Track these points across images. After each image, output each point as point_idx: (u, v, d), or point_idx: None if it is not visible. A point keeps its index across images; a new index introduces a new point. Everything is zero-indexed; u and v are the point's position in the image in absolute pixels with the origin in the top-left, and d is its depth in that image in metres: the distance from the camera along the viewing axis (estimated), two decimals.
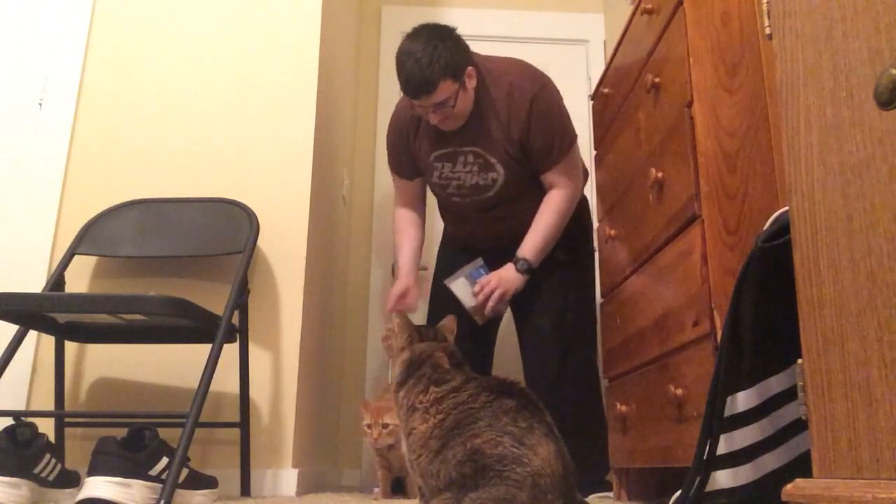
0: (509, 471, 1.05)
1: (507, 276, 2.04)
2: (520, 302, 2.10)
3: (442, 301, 2.20)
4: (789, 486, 0.80)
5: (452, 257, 2.24)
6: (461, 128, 2.04)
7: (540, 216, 2.06)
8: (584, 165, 2.20)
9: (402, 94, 2.04)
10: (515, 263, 2.04)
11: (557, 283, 2.10)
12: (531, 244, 2.04)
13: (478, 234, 2.19)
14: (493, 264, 2.09)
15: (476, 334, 2.16)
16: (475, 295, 2.05)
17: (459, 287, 2.13)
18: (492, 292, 2.02)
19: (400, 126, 2.15)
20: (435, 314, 2.25)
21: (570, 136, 2.06)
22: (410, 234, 2.21)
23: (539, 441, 1.08)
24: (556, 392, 2.02)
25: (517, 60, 2.12)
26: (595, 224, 2.17)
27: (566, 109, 2.09)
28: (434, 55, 1.89)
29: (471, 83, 1.99)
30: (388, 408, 1.94)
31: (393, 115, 2.21)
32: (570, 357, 2.05)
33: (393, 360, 1.38)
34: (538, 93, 2.01)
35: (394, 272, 3.00)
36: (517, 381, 1.20)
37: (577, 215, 2.18)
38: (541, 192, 2.09)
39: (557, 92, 2.08)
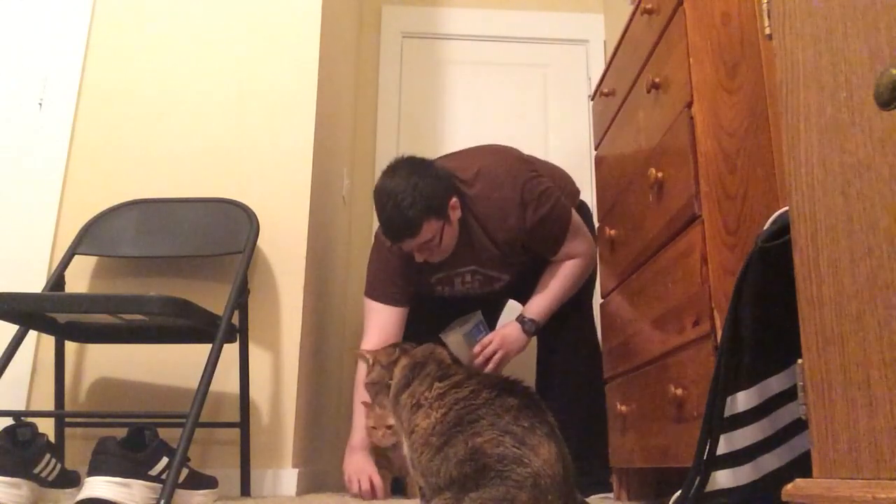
0: (510, 471, 1.05)
1: (511, 337, 1.96)
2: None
3: (418, 330, 2.04)
4: (789, 486, 0.80)
5: (440, 301, 2.14)
6: (452, 254, 1.95)
7: (554, 280, 1.99)
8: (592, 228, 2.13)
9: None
10: (522, 323, 1.98)
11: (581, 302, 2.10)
12: (542, 307, 1.97)
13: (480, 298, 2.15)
14: (485, 307, 2.07)
15: None
16: (473, 354, 1.97)
17: (455, 343, 2.00)
18: (493, 354, 1.95)
19: (389, 256, 2.00)
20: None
21: (565, 220, 1.99)
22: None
23: (540, 441, 1.08)
24: (557, 392, 2.02)
25: (492, 157, 2.00)
26: (595, 224, 2.16)
27: (555, 192, 1.98)
28: (415, 195, 1.78)
29: (455, 215, 1.89)
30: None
31: (376, 244, 2.06)
32: (571, 357, 2.05)
33: (385, 383, 1.35)
34: (522, 194, 1.91)
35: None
36: (520, 379, 1.20)
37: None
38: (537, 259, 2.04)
39: (541, 183, 1.96)
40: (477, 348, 1.98)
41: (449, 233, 1.88)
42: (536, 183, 1.95)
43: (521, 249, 1.97)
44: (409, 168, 1.85)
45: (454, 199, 1.88)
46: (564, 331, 2.09)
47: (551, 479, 1.05)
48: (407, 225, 1.80)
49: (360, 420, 1.93)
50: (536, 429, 1.09)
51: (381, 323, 1.99)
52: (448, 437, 1.12)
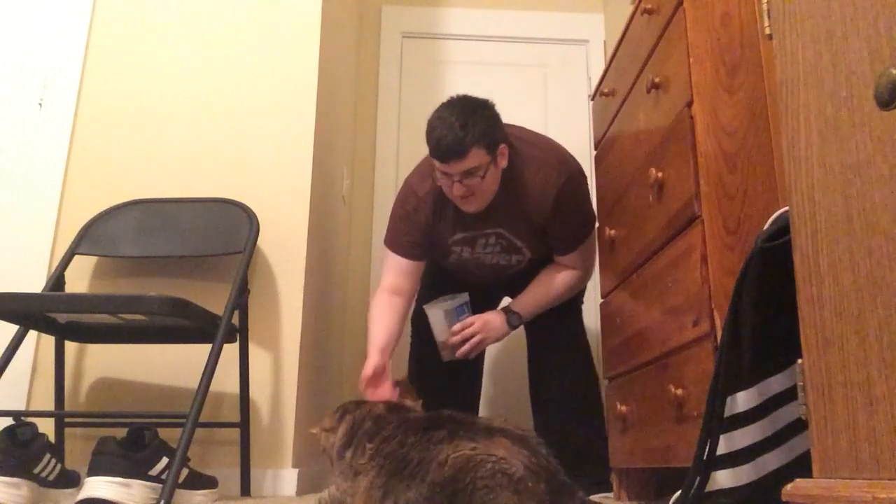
0: (479, 478, 1.05)
1: (493, 324, 1.97)
2: (539, 319, 2.07)
3: (426, 323, 2.09)
4: (789, 486, 0.80)
5: (441, 279, 2.15)
6: (483, 212, 1.94)
7: (546, 281, 2.01)
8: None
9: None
10: (507, 314, 1.99)
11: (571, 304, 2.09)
12: (529, 303, 1.99)
13: (481, 284, 2.14)
14: (479, 297, 2.05)
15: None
16: (452, 332, 1.97)
17: (436, 317, 2.01)
18: (471, 336, 1.96)
19: (418, 207, 1.99)
20: (420, 335, 2.16)
21: (590, 227, 2.03)
22: (388, 321, 1.93)
23: (491, 443, 1.09)
24: (557, 392, 2.02)
25: (549, 142, 2.04)
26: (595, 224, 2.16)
27: (589, 199, 2.04)
28: (469, 121, 1.80)
29: (502, 161, 1.89)
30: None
31: (406, 191, 2.04)
32: (571, 357, 2.05)
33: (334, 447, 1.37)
34: (564, 185, 1.93)
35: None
36: (447, 411, 1.21)
37: None
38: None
39: (585, 182, 2.03)
40: (457, 327, 1.98)
41: (493, 175, 1.87)
42: (583, 180, 2.03)
43: (542, 231, 1.97)
44: (468, 101, 1.88)
45: (504, 146, 1.89)
46: (556, 332, 2.09)
47: (522, 468, 1.06)
48: (458, 144, 1.79)
49: (374, 333, 1.92)
50: (479, 438, 1.10)
51: (396, 269, 2.02)
52: (387, 488, 1.14)
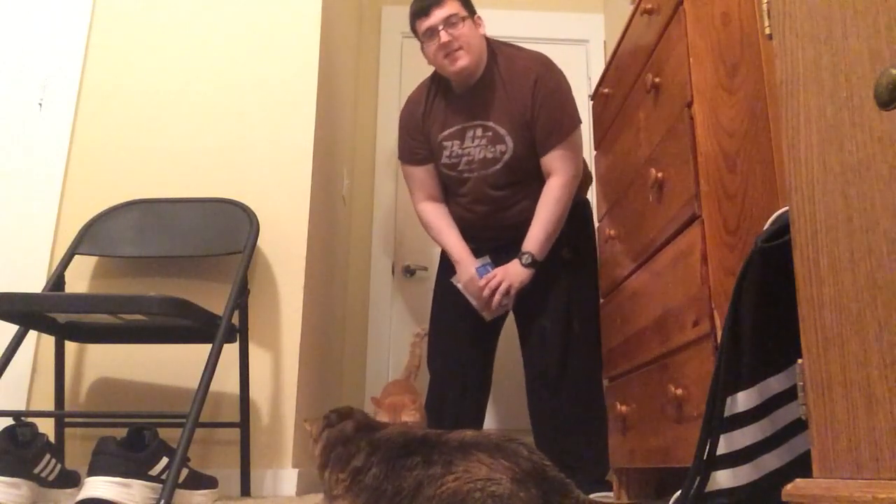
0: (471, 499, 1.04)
1: (513, 271, 2.05)
2: (524, 302, 2.10)
3: (445, 303, 2.21)
4: (789, 486, 0.80)
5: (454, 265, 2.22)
6: (469, 102, 2.11)
7: (540, 208, 2.07)
8: (586, 165, 2.21)
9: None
10: (520, 258, 2.06)
11: (561, 284, 2.10)
12: (534, 237, 2.05)
13: (484, 223, 2.17)
14: (500, 263, 2.09)
15: (478, 340, 2.16)
16: (480, 289, 2.06)
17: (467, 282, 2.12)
18: (497, 286, 2.03)
19: (410, 111, 2.23)
20: (439, 316, 2.25)
21: (573, 120, 2.09)
22: (448, 223, 2.19)
23: (471, 464, 1.07)
24: (557, 392, 2.02)
25: (527, 49, 2.20)
26: (595, 224, 2.16)
27: (571, 94, 2.13)
28: None
29: (480, 28, 2.13)
30: (404, 404, 1.96)
31: (404, 105, 2.28)
32: (571, 357, 2.05)
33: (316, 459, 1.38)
34: (543, 73, 2.08)
35: (394, 271, 3.00)
36: (420, 431, 1.20)
37: (582, 216, 2.18)
38: (544, 181, 2.10)
39: (563, 77, 2.13)
40: (482, 282, 2.06)
41: (473, 31, 2.11)
42: (562, 77, 2.14)
43: (525, 124, 2.07)
44: None
45: (480, 18, 2.16)
46: (539, 314, 2.10)
47: (508, 481, 1.04)
48: None
49: (458, 247, 2.16)
50: (456, 460, 1.08)
51: (418, 178, 2.22)
52: None
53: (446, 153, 2.15)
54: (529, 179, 2.10)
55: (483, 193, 2.13)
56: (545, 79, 2.07)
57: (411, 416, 2.00)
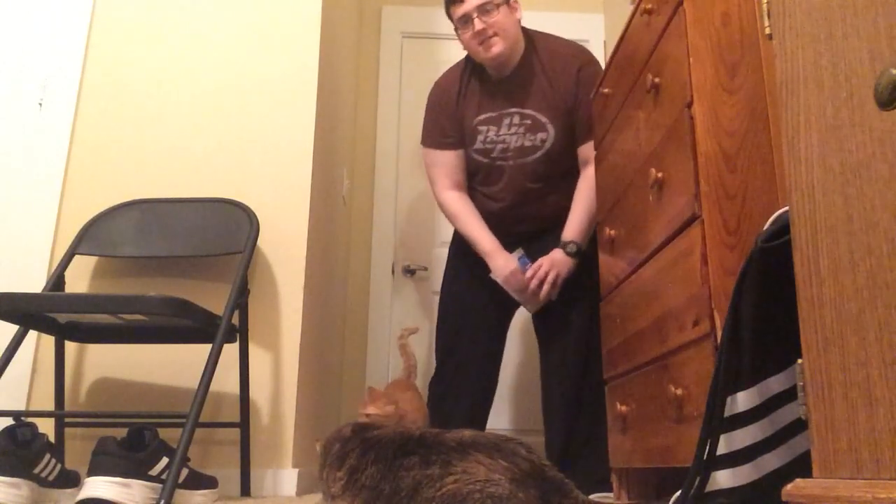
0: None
1: (557, 259, 2.04)
2: (545, 317, 2.09)
3: (453, 307, 2.19)
4: (789, 486, 0.80)
5: (465, 262, 2.19)
6: (507, 88, 2.08)
7: (578, 196, 2.05)
8: None
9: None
10: (564, 247, 2.05)
11: (585, 303, 2.09)
12: (576, 225, 2.04)
13: (511, 214, 2.15)
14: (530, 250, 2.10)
15: (486, 340, 2.15)
16: (527, 279, 2.04)
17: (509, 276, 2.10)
18: (545, 275, 2.02)
19: (443, 92, 2.18)
20: (446, 319, 2.22)
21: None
22: (476, 214, 2.13)
23: (469, 465, 1.06)
24: (576, 404, 2.03)
25: (566, 38, 2.19)
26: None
27: None
28: None
29: (516, 11, 2.09)
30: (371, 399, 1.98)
31: (434, 88, 2.23)
32: (590, 367, 2.05)
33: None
34: (585, 64, 2.07)
35: (394, 271, 3.00)
36: (417, 430, 1.19)
37: None
38: (574, 179, 2.10)
39: (601, 67, 2.11)
40: (529, 273, 2.05)
41: (508, 16, 2.06)
42: (598, 65, 2.13)
43: (566, 111, 2.06)
44: None
45: (516, 1, 2.10)
46: (562, 331, 2.09)
47: (507, 482, 1.03)
48: None
49: (487, 238, 2.11)
50: (454, 459, 1.07)
51: (443, 165, 2.15)
52: None
53: (480, 138, 2.11)
54: (563, 173, 2.10)
55: (519, 184, 2.11)
56: (588, 68, 2.07)
57: (377, 409, 2.01)
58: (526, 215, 2.14)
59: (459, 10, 2.04)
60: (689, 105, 1.36)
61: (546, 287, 2.02)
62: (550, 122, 2.05)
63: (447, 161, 2.16)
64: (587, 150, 2.06)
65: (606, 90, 1.98)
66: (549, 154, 2.07)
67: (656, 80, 1.52)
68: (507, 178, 2.11)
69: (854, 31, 0.73)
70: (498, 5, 2.04)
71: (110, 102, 2.14)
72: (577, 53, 2.09)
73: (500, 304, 2.17)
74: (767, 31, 0.93)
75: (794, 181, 0.84)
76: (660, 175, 1.48)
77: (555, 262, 2.03)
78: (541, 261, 2.05)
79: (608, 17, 3.24)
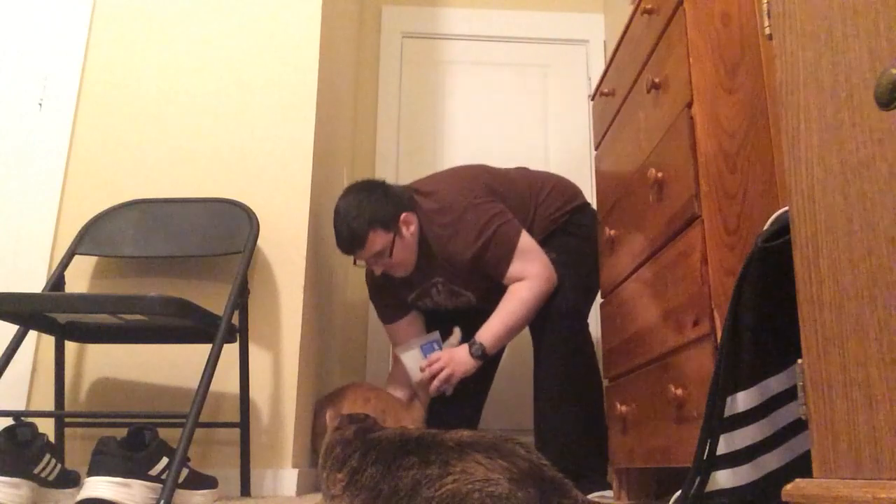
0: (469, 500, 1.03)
1: (459, 358, 1.99)
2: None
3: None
4: (789, 486, 0.80)
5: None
6: (421, 267, 2.06)
7: (502, 304, 2.01)
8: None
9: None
10: (470, 346, 2.00)
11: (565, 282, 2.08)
12: (491, 331, 1.99)
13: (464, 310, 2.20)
14: (468, 330, 2.09)
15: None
16: (420, 369, 2.02)
17: (410, 359, 2.10)
18: (439, 371, 1.99)
19: (374, 279, 2.18)
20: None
21: (508, 246, 1.99)
22: (401, 370, 2.17)
23: (468, 465, 1.06)
24: (559, 405, 2.02)
25: (452, 177, 2.11)
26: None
27: (496, 220, 2.00)
28: (360, 209, 1.96)
29: (409, 229, 2.01)
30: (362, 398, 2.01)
31: (366, 274, 2.25)
32: (575, 358, 2.04)
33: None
34: (460, 229, 1.99)
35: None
36: (416, 431, 1.19)
37: (580, 223, 2.18)
38: None
39: (482, 212, 2.00)
40: (424, 363, 2.03)
41: (401, 245, 2.00)
42: (476, 214, 2.00)
43: (472, 271, 2.03)
44: (359, 188, 2.04)
45: (406, 214, 2.01)
46: (554, 332, 2.08)
47: (506, 482, 1.03)
48: (352, 236, 1.97)
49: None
50: (452, 460, 1.07)
51: (400, 334, 2.18)
52: None
53: (420, 306, 2.18)
54: (488, 285, 2.09)
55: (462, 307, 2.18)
56: (466, 231, 1.99)
57: (356, 406, 2.02)
58: (478, 310, 2.16)
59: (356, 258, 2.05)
60: (689, 105, 1.36)
61: (435, 384, 2.00)
62: (464, 289, 2.08)
63: (402, 329, 2.19)
64: (511, 278, 2.01)
65: (606, 90, 1.98)
66: (480, 299, 2.11)
67: (656, 80, 1.52)
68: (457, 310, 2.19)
69: (854, 31, 0.73)
70: (390, 245, 1.98)
71: (110, 102, 2.14)
72: (451, 234, 2.00)
73: (473, 314, 2.17)
74: (767, 31, 0.93)
75: (794, 181, 0.84)
76: (660, 175, 1.48)
77: (453, 360, 1.99)
78: (439, 354, 2.02)
79: (608, 17, 3.24)
